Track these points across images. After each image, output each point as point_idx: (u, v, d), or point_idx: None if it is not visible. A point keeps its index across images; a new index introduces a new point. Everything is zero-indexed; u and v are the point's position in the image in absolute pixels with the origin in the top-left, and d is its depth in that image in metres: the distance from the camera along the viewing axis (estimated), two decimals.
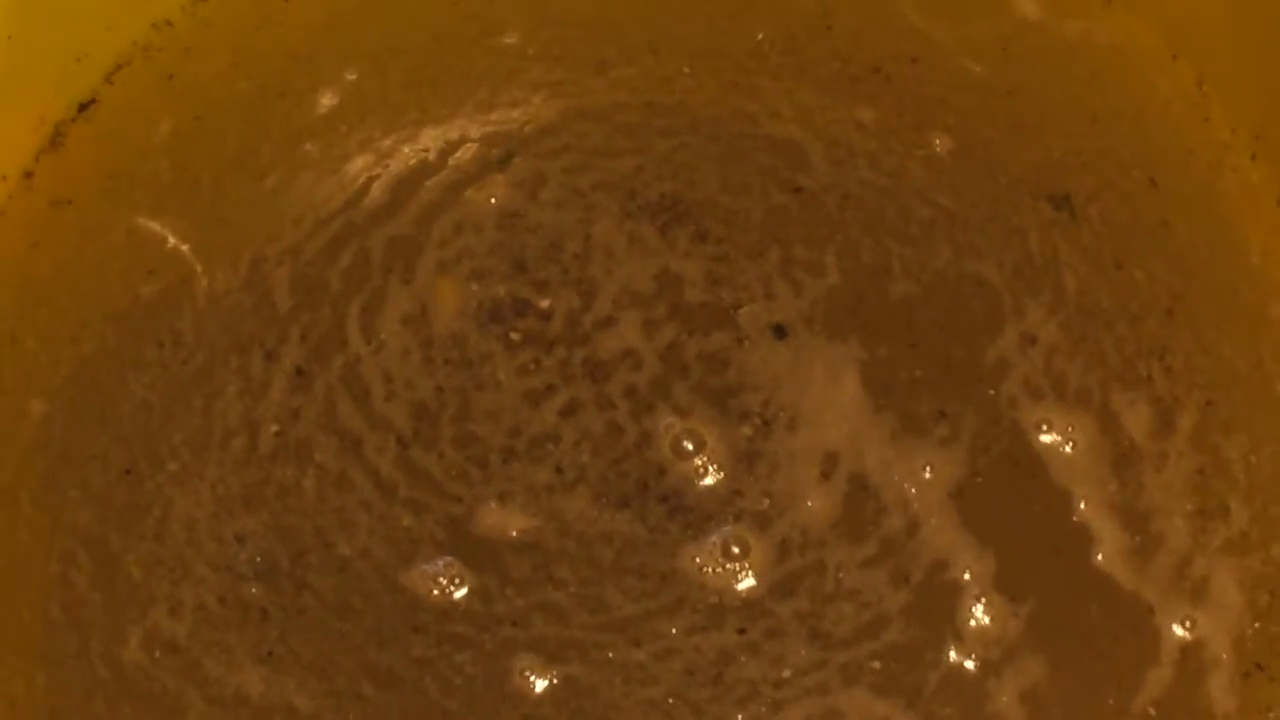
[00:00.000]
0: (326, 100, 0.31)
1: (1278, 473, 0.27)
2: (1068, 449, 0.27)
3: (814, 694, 0.26)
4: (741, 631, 0.26)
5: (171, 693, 0.26)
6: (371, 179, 0.30)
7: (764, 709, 0.26)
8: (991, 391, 0.28)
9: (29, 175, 0.30)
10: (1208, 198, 0.30)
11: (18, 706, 0.27)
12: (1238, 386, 0.28)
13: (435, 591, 0.27)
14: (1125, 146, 0.30)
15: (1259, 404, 0.28)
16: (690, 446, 0.27)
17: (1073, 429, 0.27)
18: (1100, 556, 0.26)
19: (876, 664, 0.26)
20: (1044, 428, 0.27)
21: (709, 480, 0.27)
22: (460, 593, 0.27)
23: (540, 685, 0.26)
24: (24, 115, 0.30)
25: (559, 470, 0.27)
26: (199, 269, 0.30)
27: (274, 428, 0.28)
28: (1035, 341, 0.28)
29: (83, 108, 0.31)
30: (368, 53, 0.31)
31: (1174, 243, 0.29)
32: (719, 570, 0.27)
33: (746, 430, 0.27)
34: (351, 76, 0.31)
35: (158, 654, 0.27)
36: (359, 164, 0.30)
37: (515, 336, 0.28)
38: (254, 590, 0.27)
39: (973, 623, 0.26)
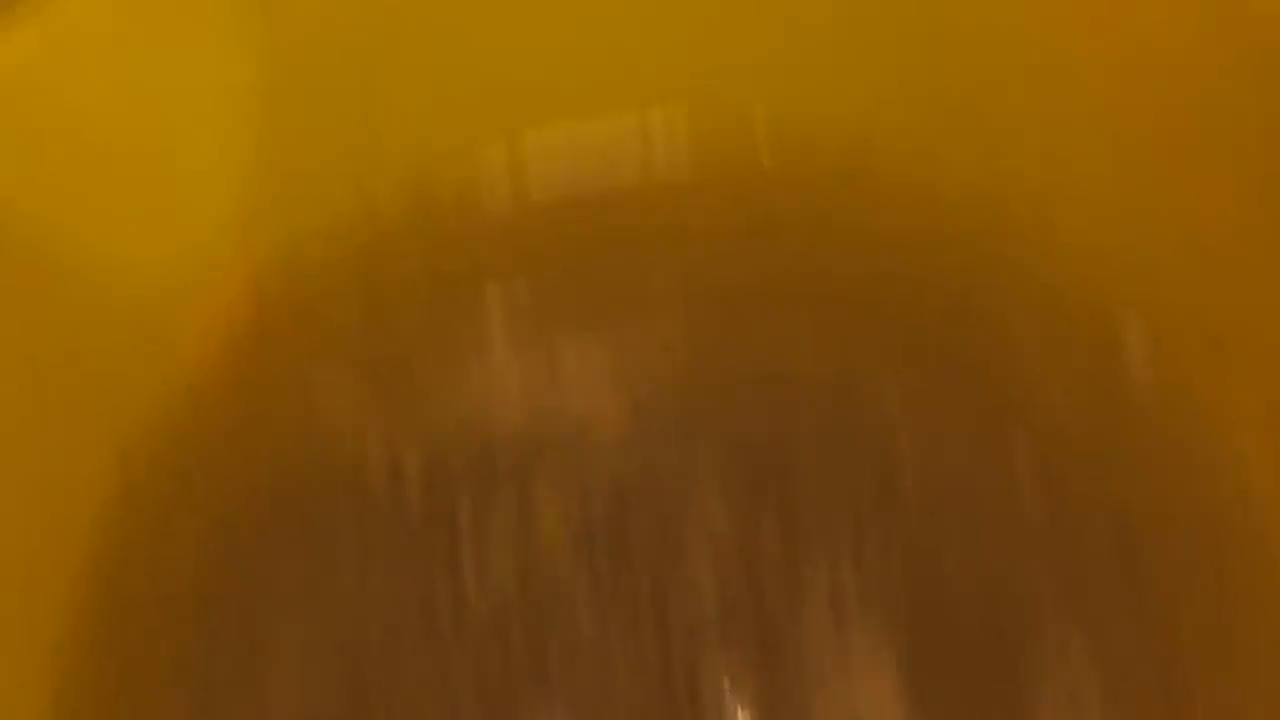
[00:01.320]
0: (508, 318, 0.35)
1: None
2: None
3: None
4: None
5: None
6: (521, 396, 0.34)
7: None
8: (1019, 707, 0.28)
9: (234, 330, 0.35)
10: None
11: None
12: None
13: None
14: (1205, 526, 0.31)
15: None
16: (727, 689, 0.29)
17: None
18: None
19: None
20: None
21: None
22: None
23: None
24: (240, 276, 0.35)
25: (603, 689, 0.29)
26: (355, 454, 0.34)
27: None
28: (1070, 676, 0.29)
29: (293, 278, 0.35)
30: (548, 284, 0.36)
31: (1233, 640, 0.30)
32: None
33: (778, 690, 0.29)
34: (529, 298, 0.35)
35: None
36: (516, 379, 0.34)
37: (599, 558, 0.31)
38: None
39: None
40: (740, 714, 0.28)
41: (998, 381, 0.33)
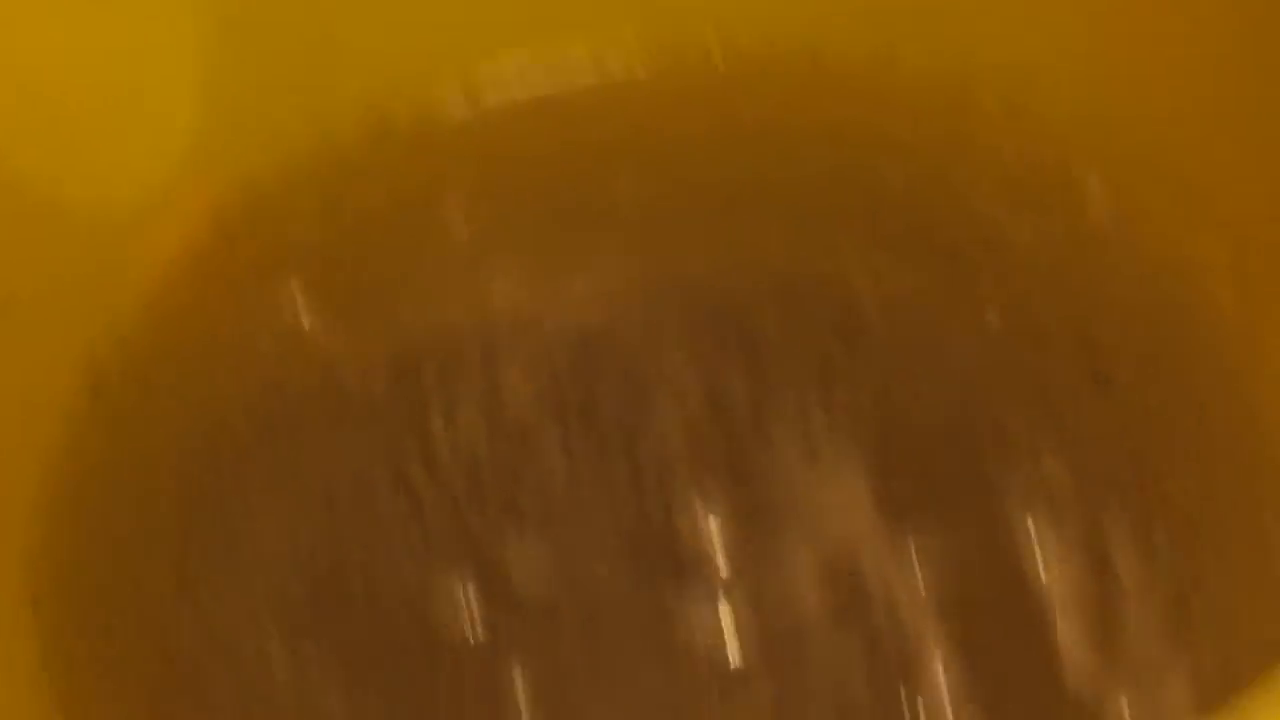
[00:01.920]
0: (462, 225, 0.36)
1: (1229, 627, 0.28)
2: (1056, 582, 0.28)
3: None
4: (724, 702, 0.28)
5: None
6: (479, 290, 0.35)
7: None
8: (989, 511, 0.29)
9: (197, 248, 0.35)
10: (1238, 403, 0.31)
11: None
12: (1220, 573, 0.29)
13: (457, 631, 0.29)
14: (1169, 342, 0.32)
15: (1236, 584, 0.28)
16: (703, 528, 0.29)
17: (1065, 565, 0.28)
18: (1073, 679, 0.27)
19: None
20: (1038, 559, 0.29)
21: (716, 561, 0.29)
22: (478, 636, 0.29)
23: None
24: (200, 200, 0.35)
25: (584, 537, 0.29)
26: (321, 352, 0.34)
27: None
28: (1040, 475, 0.29)
29: (251, 199, 0.36)
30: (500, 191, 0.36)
31: (1200, 436, 0.31)
32: (711, 645, 0.28)
33: (756, 520, 0.30)
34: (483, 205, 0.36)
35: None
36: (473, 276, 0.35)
37: (569, 418, 0.31)
38: (299, 604, 0.30)
39: None
40: (716, 537, 0.29)
41: (964, 244, 0.34)
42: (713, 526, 0.30)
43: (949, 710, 0.27)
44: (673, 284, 0.33)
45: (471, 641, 0.29)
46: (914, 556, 0.29)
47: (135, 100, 0.34)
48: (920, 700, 0.27)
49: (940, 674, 0.27)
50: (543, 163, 0.36)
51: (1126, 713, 0.26)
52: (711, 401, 0.31)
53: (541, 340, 0.33)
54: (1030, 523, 0.29)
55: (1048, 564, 0.28)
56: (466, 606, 0.29)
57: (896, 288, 0.33)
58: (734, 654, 0.28)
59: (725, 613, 0.28)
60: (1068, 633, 0.28)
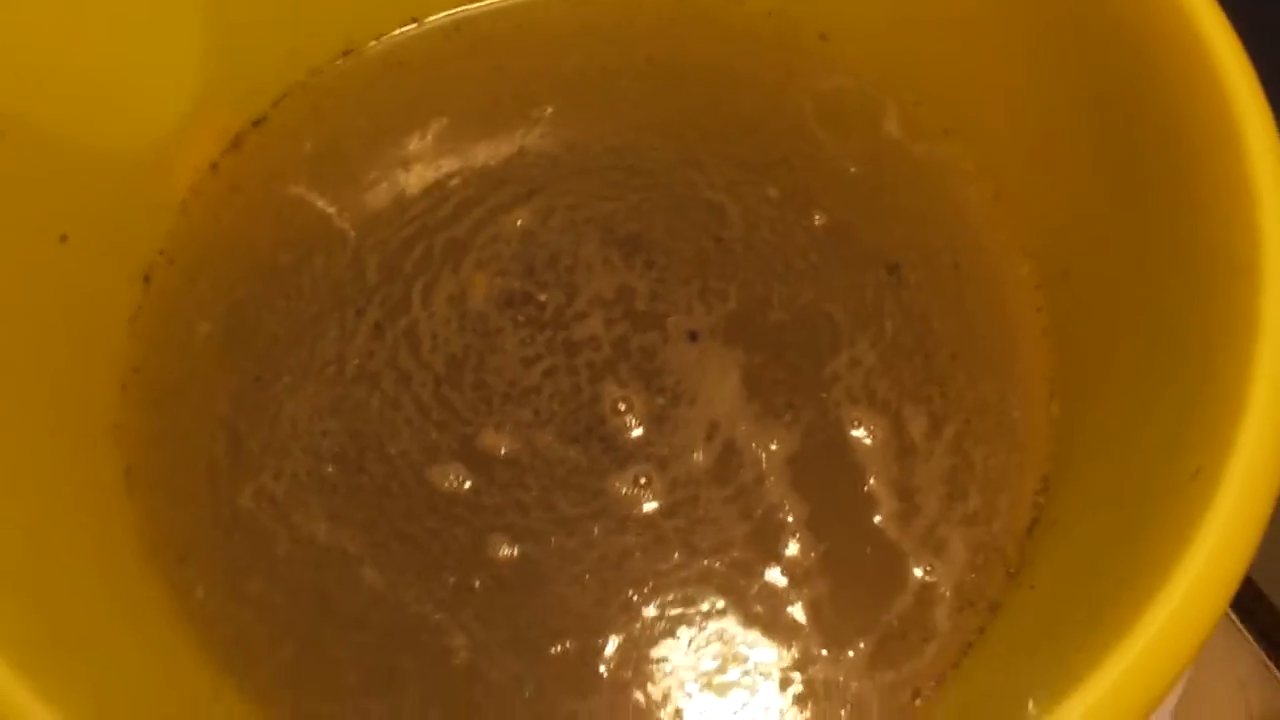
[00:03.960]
0: (424, 139, 0.45)
1: (1003, 474, 0.39)
2: (868, 440, 0.40)
3: (680, 585, 0.39)
4: (639, 535, 0.39)
5: (267, 530, 0.40)
6: (443, 197, 0.44)
7: (646, 590, 0.39)
8: (824, 395, 0.41)
9: (214, 166, 0.45)
10: (992, 281, 0.43)
11: (169, 523, 0.41)
12: (987, 413, 0.41)
13: (446, 484, 0.40)
14: (940, 237, 0.43)
15: (999, 427, 0.40)
16: (623, 408, 0.40)
17: (874, 427, 0.40)
18: (879, 518, 0.39)
19: (722, 569, 0.39)
20: (855, 424, 0.40)
21: (633, 432, 0.40)
22: (463, 487, 0.40)
23: (505, 554, 0.39)
24: (213, 127, 0.44)
25: (536, 413, 0.41)
26: (320, 246, 0.44)
27: (355, 361, 0.41)
28: (859, 364, 0.41)
29: (255, 124, 0.45)
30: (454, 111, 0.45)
31: (963, 310, 0.42)
32: (630, 493, 0.40)
33: (661, 401, 0.41)
34: (441, 123, 0.45)
35: (263, 504, 0.40)
36: (438, 185, 0.44)
37: (520, 318, 0.42)
38: (329, 469, 0.40)
39: (789, 551, 0.39)
40: (630, 408, 0.40)
41: (796, 159, 0.45)
42: (630, 399, 0.40)
43: (795, 539, 0.38)
44: (589, 202, 0.44)
45: (458, 490, 0.40)
46: (770, 423, 0.40)
47: (148, 53, 0.43)
48: (776, 533, 0.39)
49: (789, 513, 0.39)
50: (477, 84, 0.45)
51: (918, 547, 0.39)
52: (621, 297, 0.42)
53: (495, 241, 0.43)
54: (850, 396, 0.40)
55: (865, 427, 0.40)
56: (452, 463, 0.40)
57: (751, 199, 0.43)
58: (647, 500, 0.39)
59: (640, 468, 0.40)
60: (877, 481, 0.39)
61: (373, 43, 0.46)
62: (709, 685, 0.37)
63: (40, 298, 0.39)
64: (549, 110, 0.44)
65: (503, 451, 0.40)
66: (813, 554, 0.39)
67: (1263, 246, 0.32)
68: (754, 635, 0.38)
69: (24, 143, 0.39)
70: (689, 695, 0.37)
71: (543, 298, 0.42)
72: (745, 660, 0.38)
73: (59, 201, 0.40)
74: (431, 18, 0.46)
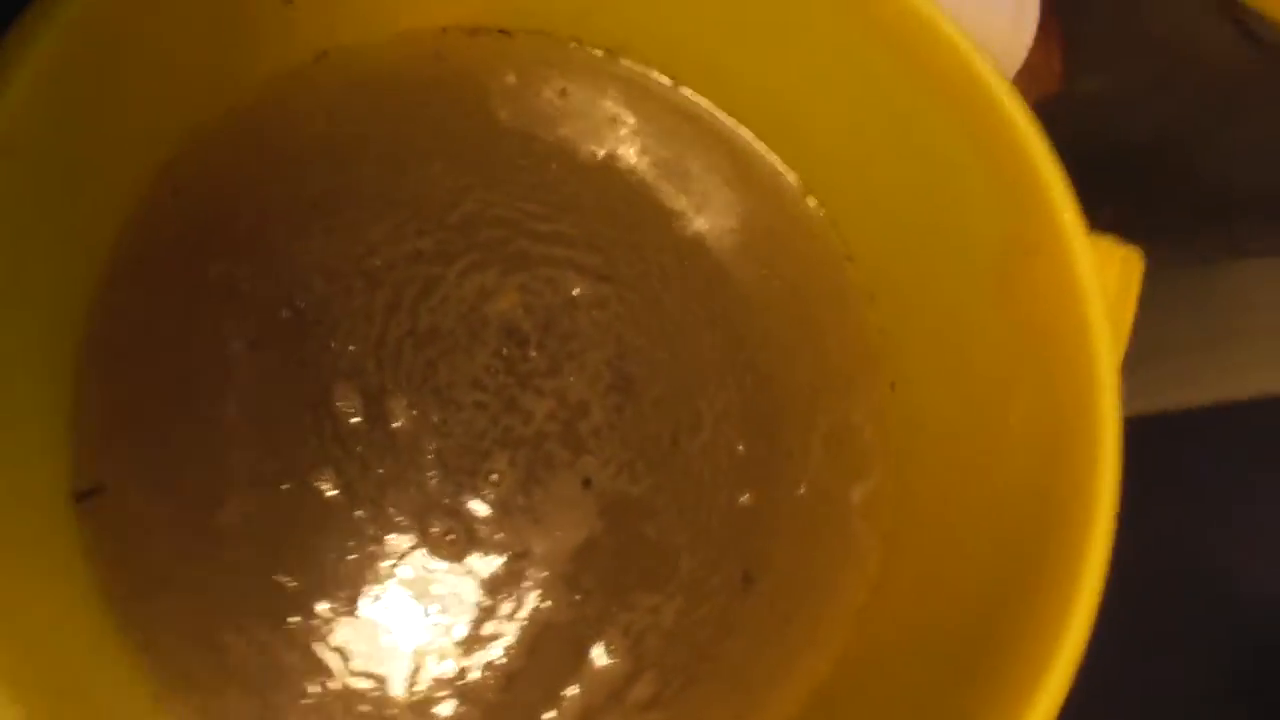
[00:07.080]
0: None
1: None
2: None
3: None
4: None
5: None
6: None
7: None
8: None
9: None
10: (832, 288, 0.47)
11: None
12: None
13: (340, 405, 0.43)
14: (786, 247, 0.48)
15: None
16: (495, 479, 0.43)
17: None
18: None
19: None
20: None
21: (488, 509, 0.43)
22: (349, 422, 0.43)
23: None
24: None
25: (444, 422, 0.43)
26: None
27: (378, 261, 0.44)
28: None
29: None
30: None
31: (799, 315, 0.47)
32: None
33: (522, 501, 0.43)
34: None
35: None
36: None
37: (504, 351, 0.44)
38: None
39: None
40: (493, 496, 0.43)
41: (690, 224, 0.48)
42: (503, 477, 0.43)
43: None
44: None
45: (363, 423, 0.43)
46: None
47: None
48: None
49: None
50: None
51: None
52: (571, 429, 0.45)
53: (547, 284, 0.45)
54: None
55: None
56: (355, 396, 0.43)
57: (641, 269, 0.47)
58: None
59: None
60: None
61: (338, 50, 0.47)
62: None
63: None
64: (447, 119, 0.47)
65: (395, 424, 0.43)
66: None
67: None
68: None
69: None
70: None
71: (533, 354, 0.44)
72: None
73: None
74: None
